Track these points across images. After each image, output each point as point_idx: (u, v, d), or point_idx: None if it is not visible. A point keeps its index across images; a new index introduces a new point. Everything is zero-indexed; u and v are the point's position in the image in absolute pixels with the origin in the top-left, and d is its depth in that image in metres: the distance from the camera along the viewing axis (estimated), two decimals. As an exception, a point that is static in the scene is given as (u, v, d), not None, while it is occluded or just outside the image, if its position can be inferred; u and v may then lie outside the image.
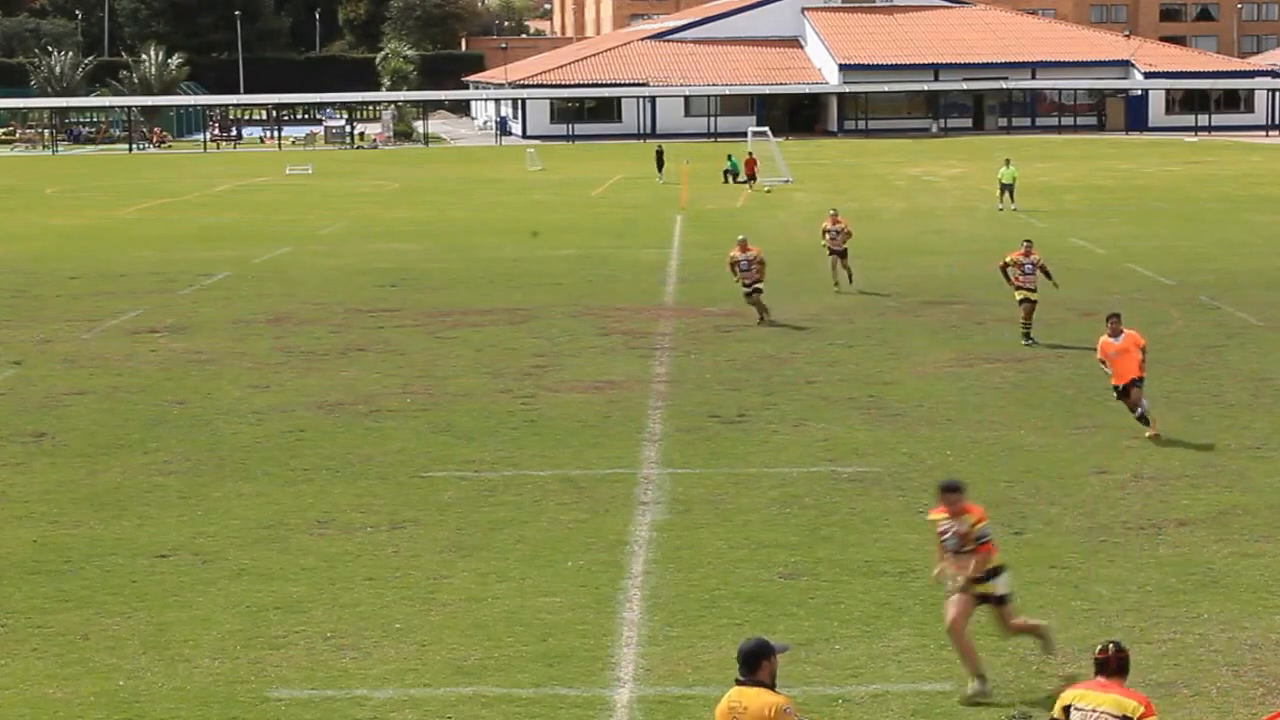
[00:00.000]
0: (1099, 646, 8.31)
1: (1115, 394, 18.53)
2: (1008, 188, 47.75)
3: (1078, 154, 76.02)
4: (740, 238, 28.56)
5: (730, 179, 60.13)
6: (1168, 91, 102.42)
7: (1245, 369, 22.66)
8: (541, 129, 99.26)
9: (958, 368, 22.99)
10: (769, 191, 54.19)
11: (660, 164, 63.88)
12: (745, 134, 68.09)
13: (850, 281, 30.76)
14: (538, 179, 65.17)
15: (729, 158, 61.66)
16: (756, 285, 27.28)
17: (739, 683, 7.78)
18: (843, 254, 30.90)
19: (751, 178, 56.83)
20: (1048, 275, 24.58)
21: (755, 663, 7.76)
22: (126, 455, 18.30)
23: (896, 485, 16.56)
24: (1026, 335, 24.43)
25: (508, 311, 28.87)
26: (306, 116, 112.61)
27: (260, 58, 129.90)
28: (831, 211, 32.09)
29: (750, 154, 58.44)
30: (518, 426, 19.52)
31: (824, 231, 31.47)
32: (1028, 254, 24.50)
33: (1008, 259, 24.86)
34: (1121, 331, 18.44)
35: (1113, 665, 8.20)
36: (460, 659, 11.84)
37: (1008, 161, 49.38)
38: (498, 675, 11.52)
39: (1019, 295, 24.49)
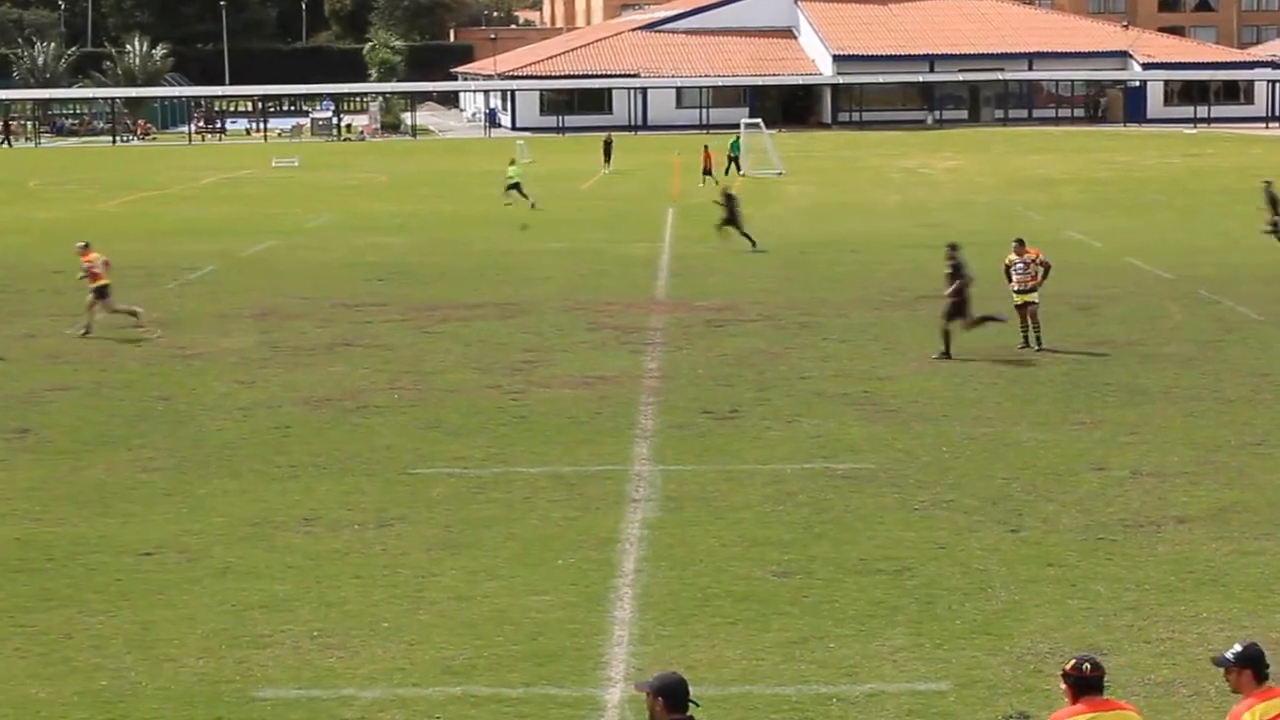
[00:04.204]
0: (1084, 664, 7.66)
1: None
2: (515, 185, 47.67)
3: (1075, 146, 75.87)
4: (79, 244, 26.06)
5: (734, 166, 59.45)
6: (1166, 83, 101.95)
7: (1245, 364, 22.49)
8: (531, 121, 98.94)
9: (953, 363, 22.82)
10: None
11: (608, 154, 63.66)
12: (738, 125, 67.79)
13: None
14: (527, 171, 64.89)
15: (732, 144, 60.88)
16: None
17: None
18: (101, 292, 25.50)
19: (707, 172, 55.60)
20: (1045, 273, 23.46)
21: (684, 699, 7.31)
22: (110, 452, 18.14)
23: (892, 482, 16.40)
24: (1025, 340, 23.35)
25: (497, 306, 28.71)
26: (293, 108, 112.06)
27: (246, 49, 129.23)
28: (80, 242, 26.19)
29: (705, 147, 57.71)
30: (507, 423, 19.37)
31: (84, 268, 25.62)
32: (1019, 252, 23.48)
33: (1006, 261, 23.84)
34: None
35: (1100, 681, 7.69)
36: (449, 658, 11.73)
37: (513, 160, 49.52)
38: (487, 674, 11.40)
39: (1015, 299, 23.49)
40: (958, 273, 22.94)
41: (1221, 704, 10.70)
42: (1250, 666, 7.62)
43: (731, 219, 36.46)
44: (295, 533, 14.89)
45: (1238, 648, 7.68)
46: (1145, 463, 17.04)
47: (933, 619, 12.37)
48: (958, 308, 22.89)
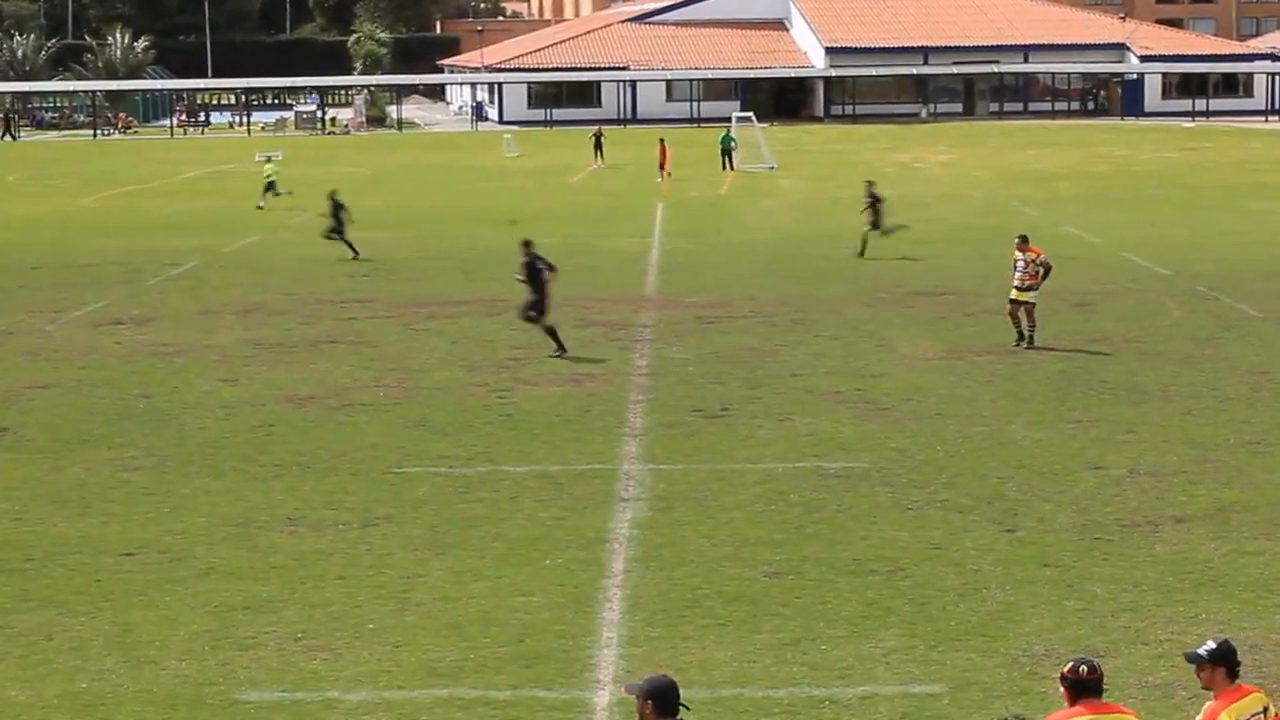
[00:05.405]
0: (1081, 666, 7.44)
1: None
2: (270, 185, 47.13)
3: (1072, 140, 75.66)
4: None
5: (727, 162, 59.10)
6: (1164, 75, 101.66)
7: (1244, 362, 22.34)
8: (519, 114, 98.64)
9: (947, 360, 22.68)
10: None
11: (598, 148, 63.52)
12: (729, 119, 67.56)
13: None
14: (515, 165, 64.79)
15: (723, 137, 60.36)
16: None
17: None
18: None
19: (662, 166, 55.15)
20: (1045, 274, 23.18)
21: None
22: (91, 450, 17.95)
23: (885, 481, 16.25)
24: (1020, 338, 23.13)
25: (484, 302, 28.53)
26: (277, 101, 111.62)
27: (229, 41, 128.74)
28: None
29: (662, 140, 57.40)
30: (494, 421, 19.20)
31: None
32: (1022, 248, 23.21)
33: (1013, 257, 23.46)
34: None
35: (1099, 684, 7.49)
36: (435, 660, 11.59)
37: (269, 159, 49.04)
38: (473, 677, 11.28)
39: (1013, 294, 23.20)
40: (533, 269, 23.26)
41: (1220, 707, 10.57)
42: (1223, 664, 7.50)
43: (338, 228, 34.72)
44: (279, 533, 14.74)
45: (1211, 644, 7.55)
46: (1142, 462, 16.89)
47: (927, 620, 12.24)
48: (539, 305, 23.25)
